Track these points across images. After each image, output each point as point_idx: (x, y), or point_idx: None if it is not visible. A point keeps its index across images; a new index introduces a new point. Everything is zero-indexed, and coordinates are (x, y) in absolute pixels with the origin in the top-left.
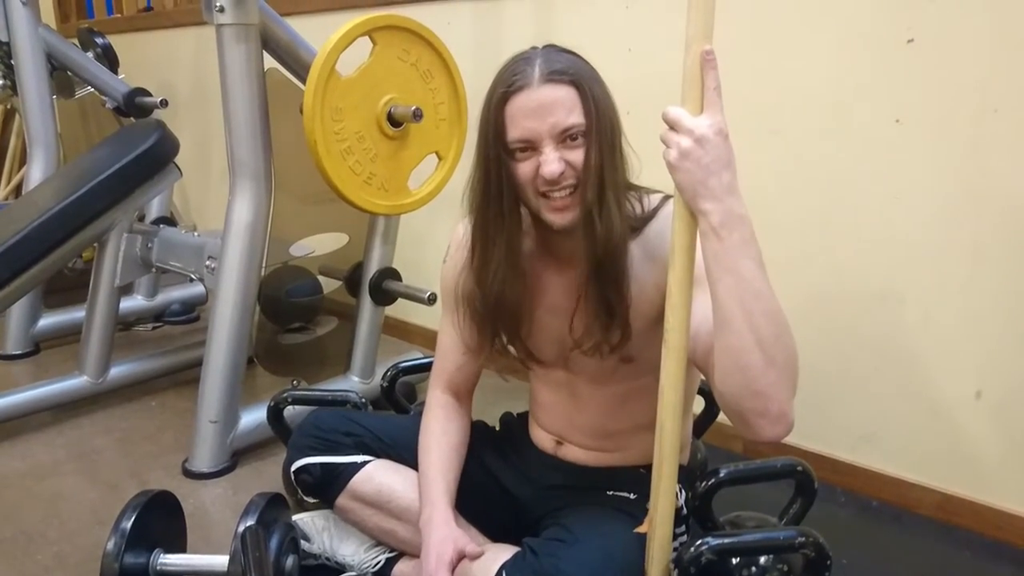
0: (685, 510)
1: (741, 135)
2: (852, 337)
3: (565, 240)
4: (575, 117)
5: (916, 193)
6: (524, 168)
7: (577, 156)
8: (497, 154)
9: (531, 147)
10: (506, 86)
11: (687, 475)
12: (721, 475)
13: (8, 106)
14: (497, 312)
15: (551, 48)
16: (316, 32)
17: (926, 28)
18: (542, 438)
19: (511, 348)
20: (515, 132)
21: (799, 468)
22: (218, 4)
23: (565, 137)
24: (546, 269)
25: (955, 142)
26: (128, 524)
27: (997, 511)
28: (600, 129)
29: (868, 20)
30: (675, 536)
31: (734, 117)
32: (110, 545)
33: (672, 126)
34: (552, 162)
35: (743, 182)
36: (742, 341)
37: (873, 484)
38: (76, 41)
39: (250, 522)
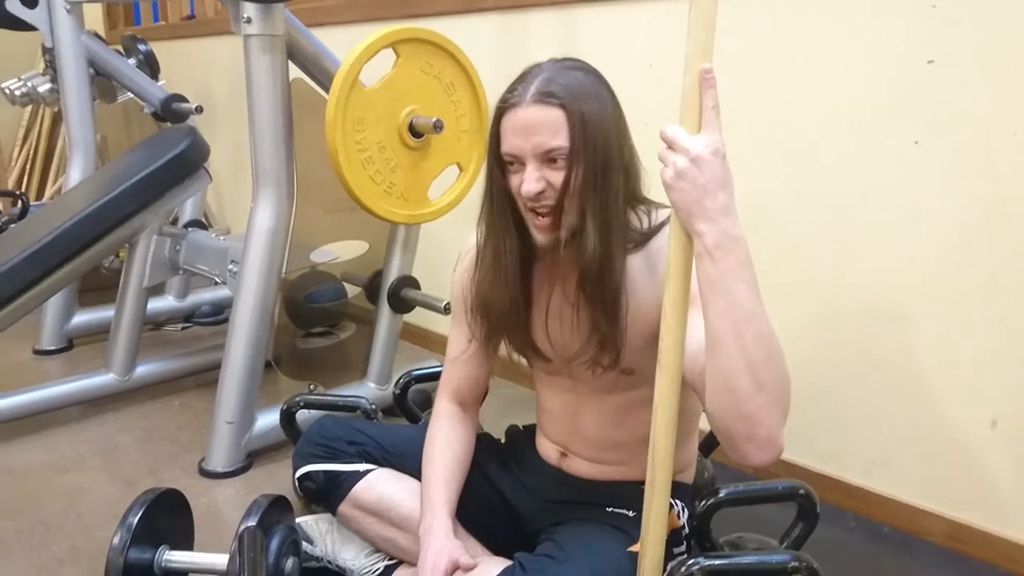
0: (687, 529)
1: (759, 154)
2: (867, 360)
3: (554, 255)
4: (559, 140)
5: (934, 215)
6: (513, 181)
7: (558, 177)
8: (492, 165)
9: (519, 162)
10: (503, 101)
11: (693, 493)
12: (720, 495)
13: (56, 109)
14: (497, 315)
15: (561, 63)
16: (341, 44)
17: (947, 49)
18: (548, 449)
19: (520, 355)
20: (504, 146)
21: (801, 491)
22: (245, 15)
23: (547, 158)
24: (547, 276)
25: (974, 165)
26: (135, 520)
27: (1010, 542)
28: (586, 153)
29: (889, 41)
30: (674, 555)
31: (752, 136)
32: (116, 540)
33: (669, 145)
34: (531, 181)
35: (760, 201)
36: (732, 363)
37: (884, 509)
38: (120, 47)
39: (251, 523)
